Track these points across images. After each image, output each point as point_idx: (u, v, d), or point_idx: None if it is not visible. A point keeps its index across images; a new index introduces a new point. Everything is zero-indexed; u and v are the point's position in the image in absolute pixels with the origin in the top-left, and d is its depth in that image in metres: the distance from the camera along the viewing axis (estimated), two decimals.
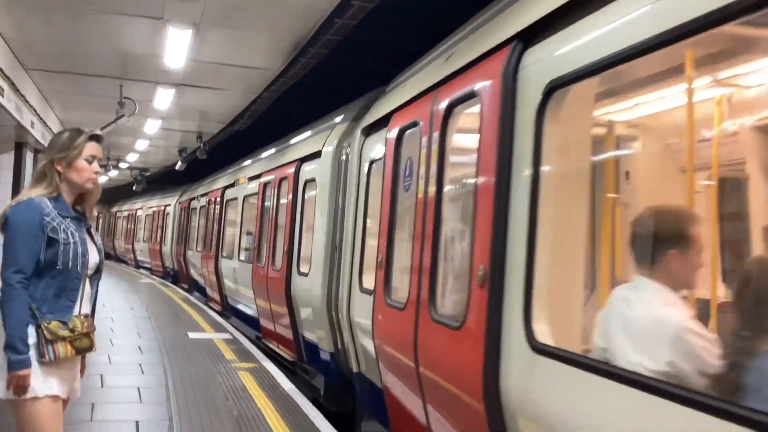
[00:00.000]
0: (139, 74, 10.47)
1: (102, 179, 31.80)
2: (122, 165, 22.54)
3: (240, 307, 12.05)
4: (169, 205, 21.88)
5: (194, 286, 17.58)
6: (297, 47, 8.49)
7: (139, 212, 28.09)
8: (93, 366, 7.49)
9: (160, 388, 7.12)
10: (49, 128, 13.10)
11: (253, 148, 14.60)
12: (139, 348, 9.40)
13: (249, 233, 11.30)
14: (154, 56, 9.27)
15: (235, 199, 12.82)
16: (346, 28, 7.89)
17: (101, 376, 7.49)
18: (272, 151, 11.30)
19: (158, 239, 23.09)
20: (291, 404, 6.71)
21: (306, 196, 8.36)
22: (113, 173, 26.15)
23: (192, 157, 18.47)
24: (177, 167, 18.65)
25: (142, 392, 6.93)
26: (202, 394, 7.04)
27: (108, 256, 31.45)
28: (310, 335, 7.79)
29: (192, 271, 17.45)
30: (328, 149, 7.41)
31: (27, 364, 3.03)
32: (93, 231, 3.40)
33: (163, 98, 11.66)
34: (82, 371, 3.45)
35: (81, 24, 8.25)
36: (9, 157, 11.93)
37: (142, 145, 17.92)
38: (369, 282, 5.46)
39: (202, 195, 16.35)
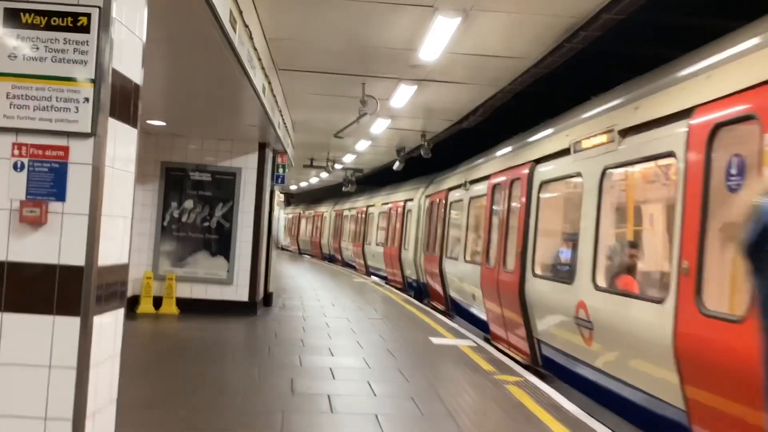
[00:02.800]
0: (383, 71, 10.18)
1: (312, 180, 32.55)
2: (337, 166, 22.86)
3: None
4: (411, 200, 19.19)
5: (458, 311, 13.82)
6: (569, 30, 7.72)
7: (372, 209, 24.75)
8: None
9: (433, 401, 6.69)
10: (287, 129, 13.28)
11: (479, 147, 14.06)
12: None
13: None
14: (408, 50, 8.88)
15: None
16: (633, 6, 7.03)
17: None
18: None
19: (395, 242, 20.06)
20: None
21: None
22: (324, 175, 26.83)
23: (408, 156, 18.31)
24: (395, 167, 18.51)
25: (419, 404, 6.52)
26: (483, 414, 6.60)
27: (332, 260, 32.09)
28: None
29: (452, 290, 14.20)
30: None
31: None
32: None
33: (402, 96, 11.34)
34: None
35: (338, 18, 8.01)
36: (253, 158, 12.16)
37: (363, 145, 17.93)
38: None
39: (475, 181, 12.88)
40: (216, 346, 9.24)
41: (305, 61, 10.00)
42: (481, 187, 12.25)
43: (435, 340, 10.34)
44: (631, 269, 7.05)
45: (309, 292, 17.15)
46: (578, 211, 7.60)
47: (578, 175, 7.67)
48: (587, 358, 7.09)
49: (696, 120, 5.22)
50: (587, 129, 7.55)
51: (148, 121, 10.73)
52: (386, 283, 20.76)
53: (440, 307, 15.11)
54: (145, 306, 11.66)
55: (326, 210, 35.77)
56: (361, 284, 20.33)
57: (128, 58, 3.85)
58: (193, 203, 12.04)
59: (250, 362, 8.20)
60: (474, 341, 10.40)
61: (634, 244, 7.32)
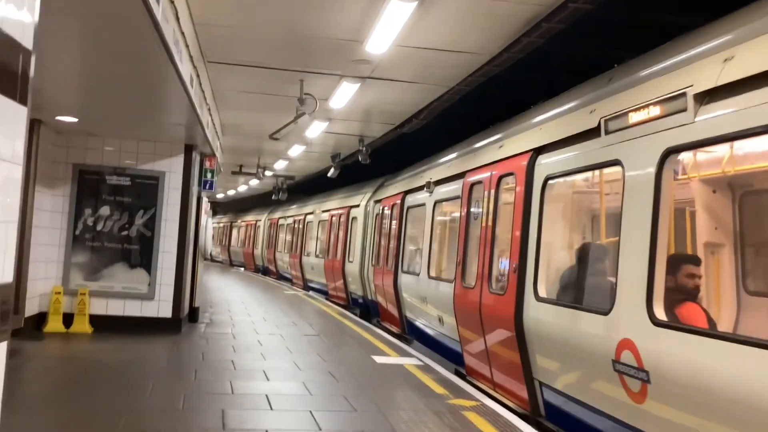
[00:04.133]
0: (324, 66, 9.34)
1: (241, 188, 31.28)
2: (267, 173, 21.80)
3: None
4: (357, 206, 17.37)
5: (418, 336, 11.77)
6: (531, 21, 7.07)
7: (310, 217, 22.73)
8: None
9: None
10: (216, 130, 12.28)
11: (423, 153, 13.32)
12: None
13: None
14: (353, 41, 8.08)
15: None
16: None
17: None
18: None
19: (338, 253, 18.20)
20: None
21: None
22: (254, 182, 25.72)
23: (343, 163, 17.49)
24: (329, 174, 17.63)
25: None
26: None
27: (267, 272, 30.57)
28: None
29: (409, 311, 12.06)
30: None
31: None
32: None
33: (344, 95, 10.50)
34: None
35: (276, 3, 7.16)
36: (178, 161, 11.12)
37: (296, 150, 16.99)
38: None
39: (444, 180, 10.69)
40: (134, 370, 8.18)
41: (238, 53, 9.06)
42: (453, 188, 10.05)
43: (378, 359, 9.54)
44: (693, 294, 5.41)
45: (238, 306, 16.09)
46: (614, 211, 5.79)
47: (616, 163, 5.62)
48: (635, 420, 5.07)
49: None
50: (634, 98, 5.48)
51: (58, 117, 9.58)
52: (327, 299, 19.09)
53: (393, 329, 13.23)
54: (54, 324, 10.46)
55: (260, 218, 34.39)
56: (294, 297, 19.35)
57: (12, 12, 2.90)
58: (110, 210, 10.91)
59: (174, 390, 7.20)
60: (420, 359, 9.64)
61: (694, 260, 5.67)
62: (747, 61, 4.28)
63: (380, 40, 7.70)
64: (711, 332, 4.72)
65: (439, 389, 7.73)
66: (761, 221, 6.10)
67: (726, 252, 6.07)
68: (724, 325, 5.69)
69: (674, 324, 4.81)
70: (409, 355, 10.09)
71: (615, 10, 7.12)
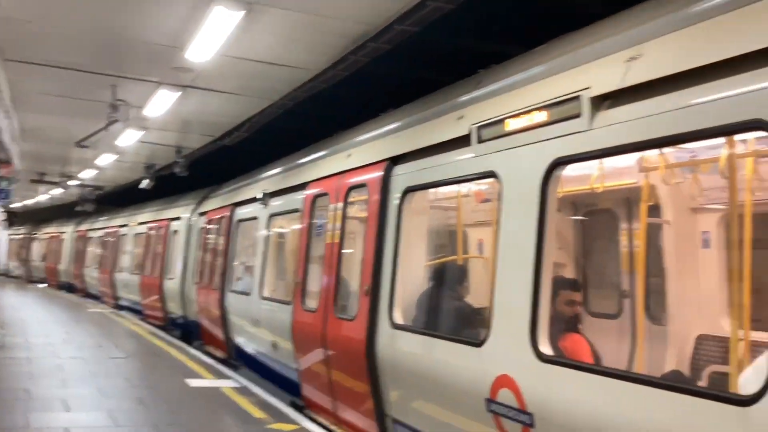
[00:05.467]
0: (140, 71, 8.82)
1: (42, 197, 28.96)
2: (73, 182, 20.33)
3: None
4: (178, 218, 15.87)
5: (247, 362, 10.72)
6: (358, 40, 7.09)
7: (124, 230, 20.90)
8: None
9: None
10: (12, 135, 11.22)
11: (249, 166, 12.88)
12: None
13: None
14: (173, 48, 7.67)
15: None
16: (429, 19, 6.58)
17: None
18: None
19: (156, 269, 16.73)
20: None
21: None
22: (57, 191, 23.92)
23: (158, 174, 16.71)
24: (143, 185, 16.74)
25: None
26: None
27: (72, 289, 28.16)
28: None
29: (238, 335, 10.99)
30: None
31: None
32: None
33: (161, 103, 9.97)
34: None
35: (84, 3, 6.65)
36: None
37: (106, 160, 15.95)
38: None
39: (281, 192, 9.68)
40: None
41: (42, 52, 8.32)
42: (292, 200, 9.11)
43: (192, 383, 9.06)
44: (573, 323, 5.01)
45: (36, 326, 14.76)
46: (488, 229, 5.25)
47: (491, 175, 4.99)
48: None
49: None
50: (513, 102, 4.88)
51: None
52: (142, 319, 17.58)
53: (219, 354, 11.98)
54: None
55: (65, 230, 31.86)
56: (101, 316, 18.11)
57: None
58: None
59: None
60: (238, 381, 9.29)
61: (574, 284, 5.26)
62: (656, 60, 3.77)
63: (202, 48, 7.38)
64: (610, 370, 4.06)
65: (258, 413, 7.45)
66: (602, 241, 6.17)
67: (569, 273, 6.12)
68: (609, 359, 5.24)
69: (563, 360, 4.27)
70: (227, 377, 9.68)
71: (438, 34, 7.28)
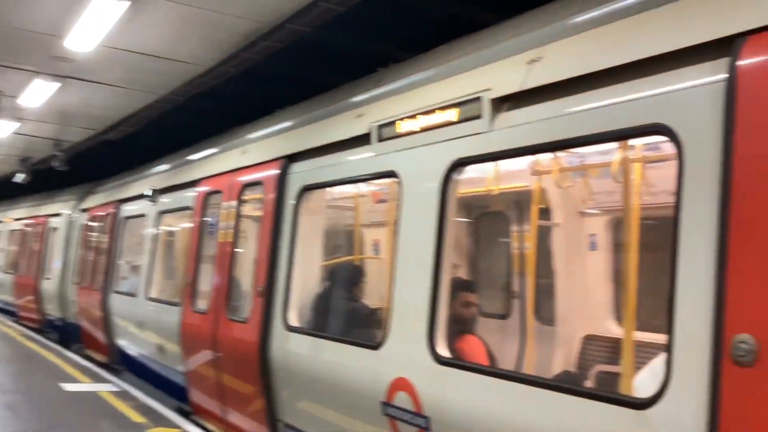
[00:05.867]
0: (13, 59, 8.26)
1: None
2: None
3: None
4: (58, 215, 15.05)
5: (131, 366, 10.23)
6: (250, 37, 6.91)
7: None
8: None
9: None
10: None
11: (138, 161, 12.29)
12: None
13: None
14: (51, 36, 7.21)
15: None
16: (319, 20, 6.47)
17: None
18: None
19: (32, 269, 15.80)
20: None
21: None
22: None
23: (35, 168, 15.78)
24: (17, 179, 15.75)
25: None
26: None
27: None
28: None
29: (121, 338, 10.47)
30: None
31: None
32: None
33: (37, 94, 9.38)
34: None
35: None
36: None
37: None
38: None
39: (171, 189, 9.38)
40: None
41: None
42: (183, 197, 8.78)
43: (68, 387, 8.65)
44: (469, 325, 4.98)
45: None
46: (387, 228, 5.11)
47: (391, 174, 4.92)
48: None
49: None
50: (414, 102, 4.82)
51: None
52: (16, 321, 16.67)
53: (100, 358, 11.45)
54: None
55: None
56: None
57: None
58: None
59: None
60: (117, 385, 8.88)
61: (470, 286, 5.22)
62: (557, 63, 3.80)
63: (83, 38, 6.99)
64: (507, 372, 4.24)
65: (138, 417, 7.16)
66: (494, 243, 6.24)
67: (461, 274, 6.15)
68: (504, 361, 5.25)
69: (460, 362, 4.23)
70: (105, 380, 9.26)
71: (333, 36, 7.20)
